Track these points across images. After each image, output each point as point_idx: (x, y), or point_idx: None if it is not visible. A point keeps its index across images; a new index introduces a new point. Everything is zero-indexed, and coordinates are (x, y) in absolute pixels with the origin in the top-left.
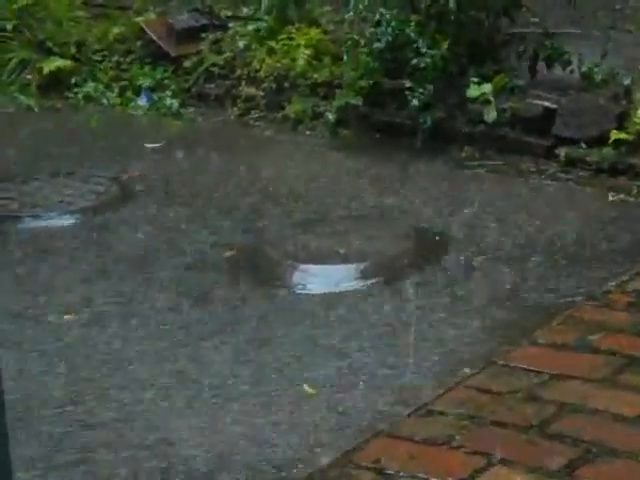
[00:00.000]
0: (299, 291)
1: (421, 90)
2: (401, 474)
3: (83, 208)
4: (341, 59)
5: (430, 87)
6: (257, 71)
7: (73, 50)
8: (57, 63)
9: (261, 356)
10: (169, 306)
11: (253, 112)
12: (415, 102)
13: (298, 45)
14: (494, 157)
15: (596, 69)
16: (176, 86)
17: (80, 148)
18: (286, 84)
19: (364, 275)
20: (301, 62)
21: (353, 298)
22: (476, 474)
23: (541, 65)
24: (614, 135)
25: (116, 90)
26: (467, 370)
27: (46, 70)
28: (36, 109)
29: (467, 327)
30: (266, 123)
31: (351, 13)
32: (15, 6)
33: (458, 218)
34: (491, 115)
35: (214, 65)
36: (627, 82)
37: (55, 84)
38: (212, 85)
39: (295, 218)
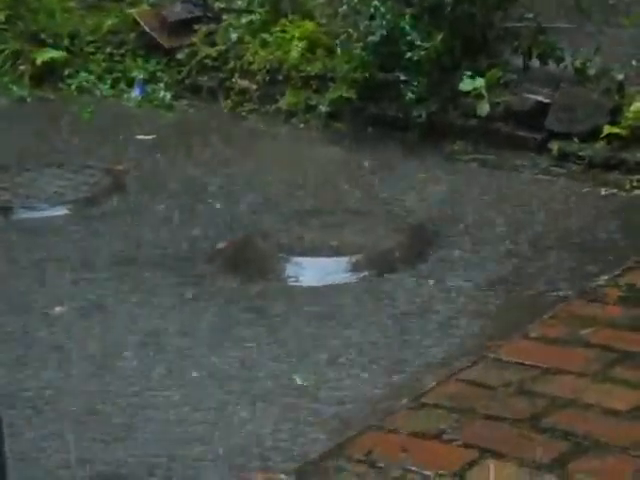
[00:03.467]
0: (291, 283)
1: (415, 83)
2: (393, 467)
3: (76, 199)
4: (334, 52)
5: (424, 80)
6: (250, 63)
7: (66, 41)
8: (50, 54)
9: (253, 348)
10: (161, 298)
11: (246, 104)
12: (410, 95)
13: (292, 38)
14: (487, 151)
15: (589, 64)
16: (169, 78)
17: (73, 139)
18: (279, 77)
19: (356, 268)
20: (294, 55)
21: (345, 290)
22: (467, 467)
23: (534, 59)
24: (607, 130)
25: (109, 81)
26: (459, 364)
27: (39, 61)
28: (29, 100)
29: (459, 320)
30: (259, 116)
31: (345, 7)
32: None
33: (450, 211)
34: (484, 109)
35: (207, 57)
36: (620, 77)
37: (48, 75)
38: (205, 77)
39: (288, 211)
